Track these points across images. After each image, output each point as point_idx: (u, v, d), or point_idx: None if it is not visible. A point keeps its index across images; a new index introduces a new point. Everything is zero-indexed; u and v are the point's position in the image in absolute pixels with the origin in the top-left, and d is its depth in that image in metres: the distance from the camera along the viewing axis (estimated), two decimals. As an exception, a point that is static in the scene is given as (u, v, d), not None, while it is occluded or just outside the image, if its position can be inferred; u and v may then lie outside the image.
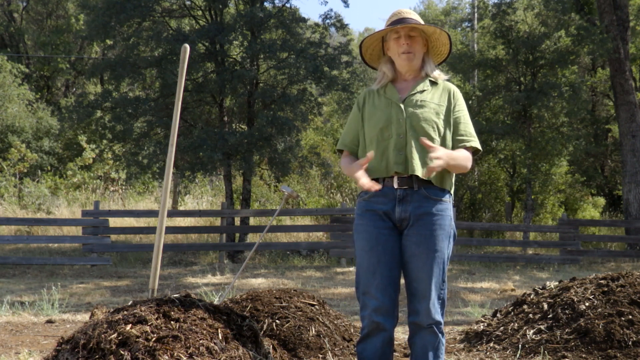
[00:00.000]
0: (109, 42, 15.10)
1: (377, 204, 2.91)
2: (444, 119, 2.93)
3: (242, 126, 14.78)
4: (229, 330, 3.04)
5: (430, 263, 2.85)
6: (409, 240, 2.88)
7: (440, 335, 2.89)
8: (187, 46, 3.42)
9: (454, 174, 3.00)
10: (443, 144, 2.92)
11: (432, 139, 2.88)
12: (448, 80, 3.07)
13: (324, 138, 21.96)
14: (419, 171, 2.86)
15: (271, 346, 3.39)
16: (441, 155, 2.72)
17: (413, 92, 2.96)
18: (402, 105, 2.93)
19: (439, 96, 2.96)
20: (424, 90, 2.96)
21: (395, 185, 2.88)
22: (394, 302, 2.90)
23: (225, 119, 14.02)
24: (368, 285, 2.89)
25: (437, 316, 2.87)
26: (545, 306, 4.80)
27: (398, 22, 2.94)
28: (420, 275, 2.86)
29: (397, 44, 2.94)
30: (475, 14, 23.67)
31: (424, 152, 2.83)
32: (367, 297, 2.90)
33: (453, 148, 2.93)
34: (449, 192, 2.94)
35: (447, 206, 2.92)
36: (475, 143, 2.96)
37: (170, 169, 3.41)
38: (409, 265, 2.89)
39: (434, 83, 3.00)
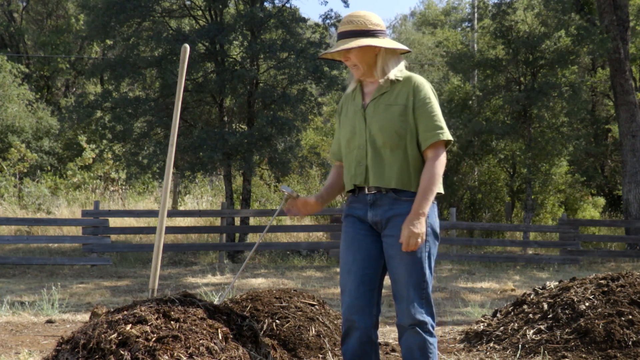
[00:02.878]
0: (109, 42, 15.11)
1: (355, 210, 2.95)
2: (406, 119, 2.84)
3: (242, 126, 14.79)
4: (229, 330, 3.04)
5: (405, 263, 2.82)
6: (385, 243, 2.88)
7: (425, 335, 2.82)
8: (187, 46, 3.41)
9: (415, 172, 2.86)
10: (412, 143, 2.85)
11: (392, 148, 2.84)
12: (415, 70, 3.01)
13: (324, 138, 21.95)
14: (375, 182, 2.85)
15: (271, 346, 3.40)
16: (407, 237, 2.75)
17: (374, 97, 2.91)
18: (363, 113, 2.92)
19: (401, 95, 2.86)
20: (384, 93, 2.89)
21: (366, 191, 2.90)
22: (369, 300, 2.88)
23: (225, 119, 14.02)
24: (344, 284, 2.93)
25: (419, 316, 2.81)
26: (545, 306, 4.80)
27: (340, 36, 2.92)
28: (397, 277, 2.85)
29: None
30: (475, 14, 23.67)
31: (382, 161, 2.84)
32: (343, 296, 2.93)
33: (420, 149, 2.86)
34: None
35: None
36: (437, 137, 2.81)
37: (170, 169, 3.41)
38: (388, 267, 2.90)
39: (396, 81, 2.90)
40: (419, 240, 2.75)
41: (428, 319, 2.83)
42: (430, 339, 2.83)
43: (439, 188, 2.88)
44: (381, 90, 2.90)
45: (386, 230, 2.87)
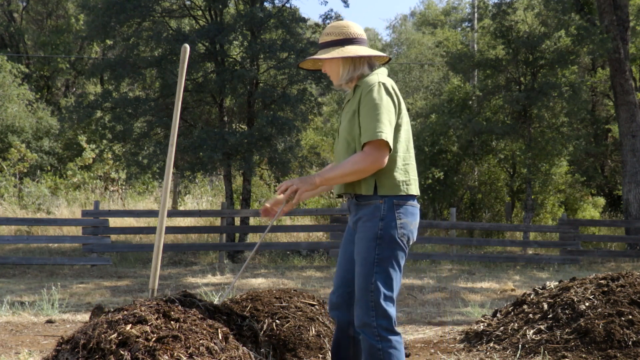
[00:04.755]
0: (109, 42, 15.11)
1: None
2: (354, 123, 2.88)
3: (242, 126, 14.79)
4: (229, 330, 3.04)
5: (357, 266, 2.88)
6: None
7: (372, 339, 2.82)
8: (187, 46, 3.42)
9: (373, 177, 2.85)
10: (360, 148, 2.86)
11: (343, 155, 2.92)
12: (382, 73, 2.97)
13: (324, 138, 21.97)
14: (338, 190, 2.99)
15: (271, 346, 3.40)
16: (285, 181, 2.85)
17: (343, 107, 3.03)
18: (339, 123, 3.06)
19: (355, 100, 2.90)
20: (348, 101, 2.98)
21: (346, 198, 3.01)
22: (348, 299, 2.99)
23: (225, 119, 14.02)
24: (334, 282, 3.11)
25: (366, 319, 2.82)
26: (545, 306, 4.80)
27: (318, 47, 3.05)
28: (355, 280, 2.91)
29: None
30: (475, 14, 23.66)
31: None
32: (330, 293, 3.12)
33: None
34: (377, 194, 2.86)
35: (376, 207, 2.85)
36: (366, 137, 2.77)
37: (170, 169, 3.41)
38: None
39: (357, 87, 2.94)
40: (287, 187, 2.82)
41: (375, 322, 2.80)
42: (379, 345, 2.81)
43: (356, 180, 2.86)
44: (348, 97, 3.00)
45: (355, 234, 2.96)
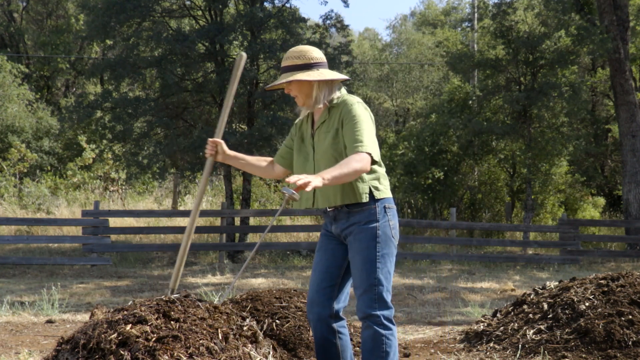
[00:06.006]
0: (109, 42, 15.11)
1: (326, 224, 3.25)
2: (338, 140, 3.06)
3: (242, 126, 14.79)
4: (229, 330, 3.04)
5: (357, 264, 3.06)
6: (347, 251, 3.14)
7: (377, 327, 3.02)
8: (244, 54, 3.33)
9: (368, 184, 3.05)
10: None
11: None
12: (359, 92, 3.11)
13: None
14: (323, 204, 3.10)
15: (271, 346, 3.40)
16: (298, 177, 2.82)
17: (318, 126, 3.15)
18: (312, 142, 3.16)
19: (335, 120, 3.07)
20: (324, 122, 3.12)
21: (328, 208, 3.15)
22: (329, 295, 3.15)
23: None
24: (310, 282, 3.21)
25: (369, 310, 3.02)
26: (545, 306, 4.81)
27: (282, 70, 3.15)
28: (353, 276, 3.11)
29: None
30: (475, 14, 23.64)
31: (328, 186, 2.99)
32: (308, 292, 3.21)
33: None
34: (373, 200, 3.06)
35: (371, 212, 3.06)
36: (356, 149, 2.94)
37: (208, 169, 3.27)
38: (351, 272, 3.15)
39: (332, 108, 3.11)
40: (303, 180, 2.80)
41: (379, 313, 3.03)
42: (383, 331, 3.03)
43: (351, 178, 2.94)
44: (322, 118, 3.13)
45: (347, 239, 3.12)
